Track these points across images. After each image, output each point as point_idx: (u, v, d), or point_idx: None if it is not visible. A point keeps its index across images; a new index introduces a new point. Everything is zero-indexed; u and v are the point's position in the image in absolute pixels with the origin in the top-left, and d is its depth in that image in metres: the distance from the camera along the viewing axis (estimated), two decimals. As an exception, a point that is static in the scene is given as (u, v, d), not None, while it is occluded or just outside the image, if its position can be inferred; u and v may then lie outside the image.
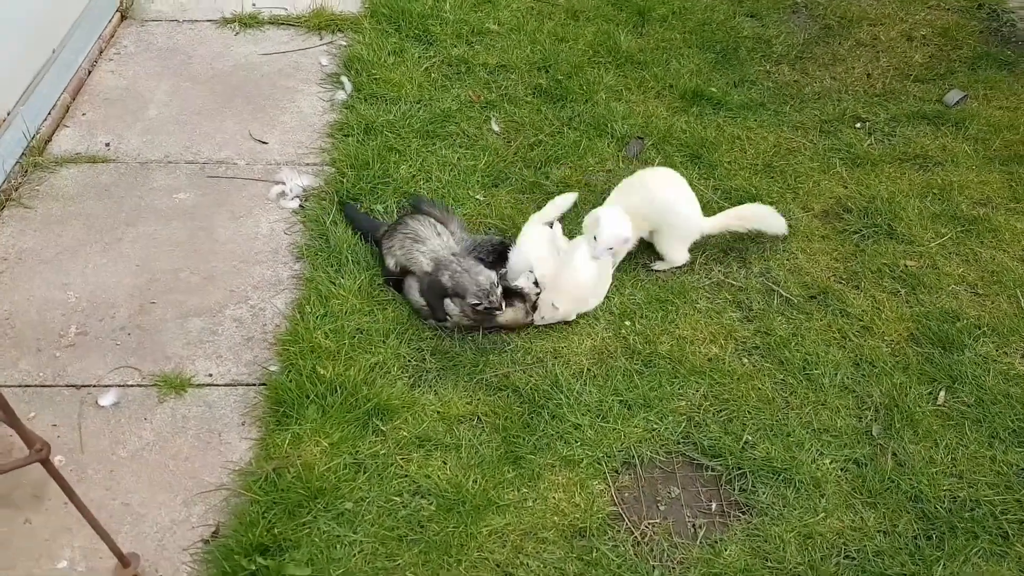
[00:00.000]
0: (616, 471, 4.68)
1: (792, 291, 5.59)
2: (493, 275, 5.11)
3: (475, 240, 5.53)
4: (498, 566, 4.24)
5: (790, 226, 5.93)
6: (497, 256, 5.46)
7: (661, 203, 5.57)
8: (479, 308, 5.04)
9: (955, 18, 8.26)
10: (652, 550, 4.36)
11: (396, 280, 5.42)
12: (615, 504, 4.54)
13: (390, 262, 5.42)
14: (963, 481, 4.67)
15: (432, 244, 5.28)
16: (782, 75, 7.47)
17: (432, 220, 5.43)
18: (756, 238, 5.88)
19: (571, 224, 5.91)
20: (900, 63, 7.66)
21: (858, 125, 6.96)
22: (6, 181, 5.89)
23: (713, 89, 7.15)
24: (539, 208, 5.89)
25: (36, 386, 4.86)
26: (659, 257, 5.72)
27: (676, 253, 5.69)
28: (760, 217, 5.81)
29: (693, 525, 4.49)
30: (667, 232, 5.64)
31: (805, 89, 7.32)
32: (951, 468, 4.72)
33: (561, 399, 4.91)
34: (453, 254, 5.24)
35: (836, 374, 5.14)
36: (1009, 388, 5.08)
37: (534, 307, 5.26)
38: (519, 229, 5.71)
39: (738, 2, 8.27)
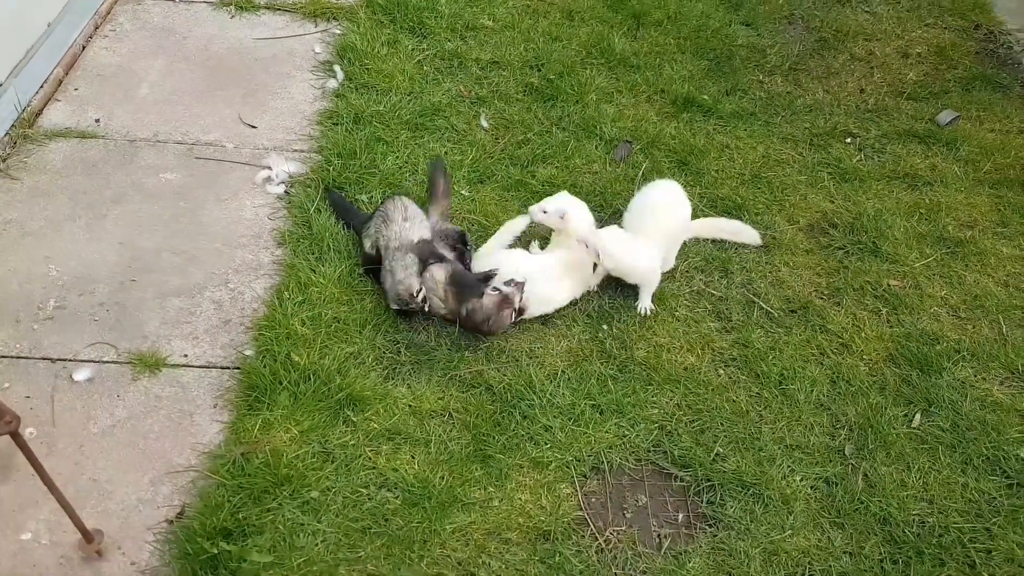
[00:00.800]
0: (584, 476, 4.68)
1: (773, 304, 5.59)
2: (414, 285, 5.10)
3: (442, 229, 5.57)
4: (460, 564, 4.25)
5: (774, 238, 5.95)
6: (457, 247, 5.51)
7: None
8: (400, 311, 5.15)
9: (951, 37, 8.27)
10: (616, 558, 4.37)
11: (375, 269, 5.41)
12: (581, 509, 4.54)
13: (367, 244, 5.44)
14: (933, 506, 4.67)
15: (394, 229, 5.30)
16: (775, 86, 7.47)
17: (404, 204, 5.44)
18: (739, 248, 5.90)
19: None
20: (894, 80, 7.68)
21: (848, 140, 6.96)
22: (-6, 152, 5.90)
23: (705, 96, 7.16)
24: (524, 206, 5.86)
25: (12, 357, 4.86)
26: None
27: (671, 258, 5.71)
28: (735, 230, 5.91)
29: (659, 535, 4.50)
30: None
31: (797, 101, 7.32)
32: (922, 492, 4.73)
33: (534, 400, 4.92)
34: (399, 246, 5.25)
35: (812, 390, 5.14)
36: (985, 415, 5.09)
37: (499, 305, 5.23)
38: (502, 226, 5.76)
39: (734, 10, 8.28)
